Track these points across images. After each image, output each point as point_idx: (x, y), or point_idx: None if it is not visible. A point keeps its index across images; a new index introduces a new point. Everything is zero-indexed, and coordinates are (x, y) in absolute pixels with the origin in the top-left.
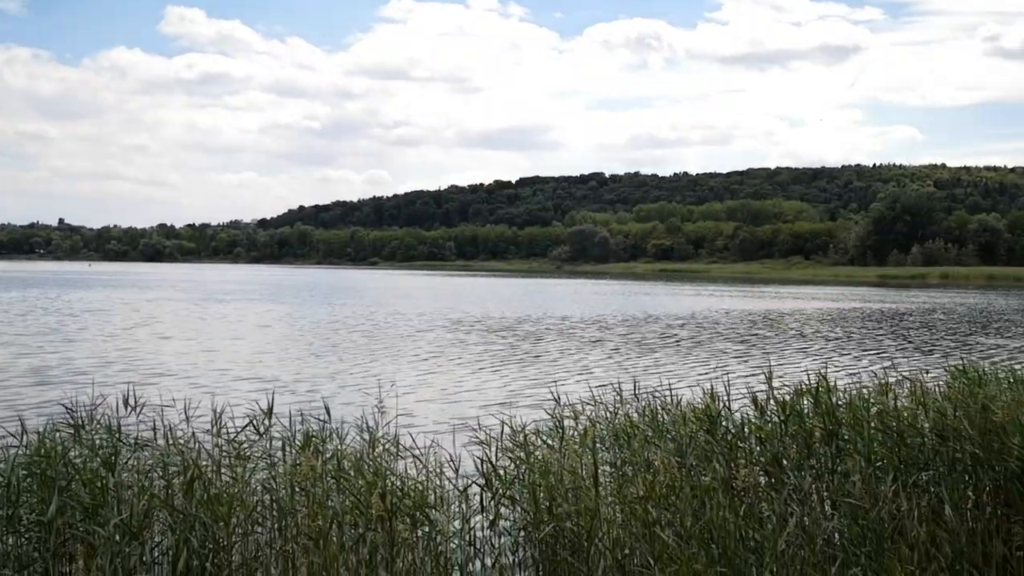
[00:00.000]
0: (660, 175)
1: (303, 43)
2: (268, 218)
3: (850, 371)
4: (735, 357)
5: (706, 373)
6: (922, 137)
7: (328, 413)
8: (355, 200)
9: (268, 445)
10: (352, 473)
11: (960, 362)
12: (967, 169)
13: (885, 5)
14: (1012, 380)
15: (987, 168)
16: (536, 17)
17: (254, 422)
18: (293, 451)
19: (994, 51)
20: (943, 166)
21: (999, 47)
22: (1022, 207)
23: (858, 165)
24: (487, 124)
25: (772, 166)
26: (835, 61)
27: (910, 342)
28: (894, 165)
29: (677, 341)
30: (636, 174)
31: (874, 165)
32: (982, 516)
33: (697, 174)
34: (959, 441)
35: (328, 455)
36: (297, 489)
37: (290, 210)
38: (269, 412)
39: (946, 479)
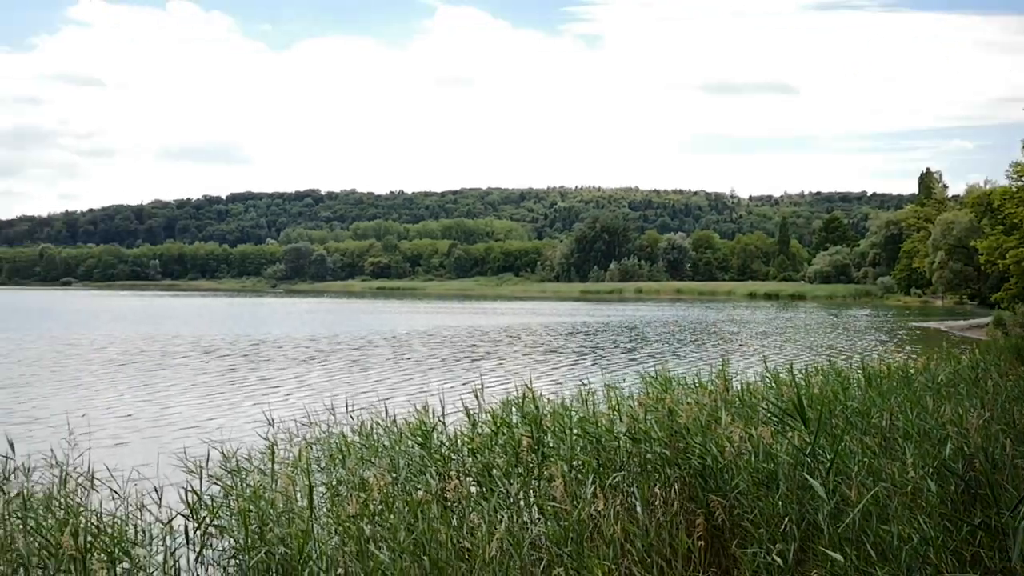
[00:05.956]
0: (376, 193)
1: None
2: None
3: (573, 380)
4: (464, 371)
5: (427, 389)
6: (622, 161)
7: (12, 448)
8: (44, 215)
9: None
10: (41, 511)
11: (652, 370)
12: (657, 192)
13: (585, 37)
14: (696, 385)
15: (674, 191)
16: (244, 27)
17: None
18: None
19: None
20: (636, 188)
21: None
22: (704, 227)
23: (562, 187)
24: (191, 137)
25: (484, 186)
26: None
27: (619, 350)
28: (594, 187)
29: (418, 359)
30: (352, 191)
31: (576, 187)
32: (669, 511)
33: (413, 192)
34: (649, 443)
35: (13, 493)
36: None
37: None
38: None
39: (638, 479)
